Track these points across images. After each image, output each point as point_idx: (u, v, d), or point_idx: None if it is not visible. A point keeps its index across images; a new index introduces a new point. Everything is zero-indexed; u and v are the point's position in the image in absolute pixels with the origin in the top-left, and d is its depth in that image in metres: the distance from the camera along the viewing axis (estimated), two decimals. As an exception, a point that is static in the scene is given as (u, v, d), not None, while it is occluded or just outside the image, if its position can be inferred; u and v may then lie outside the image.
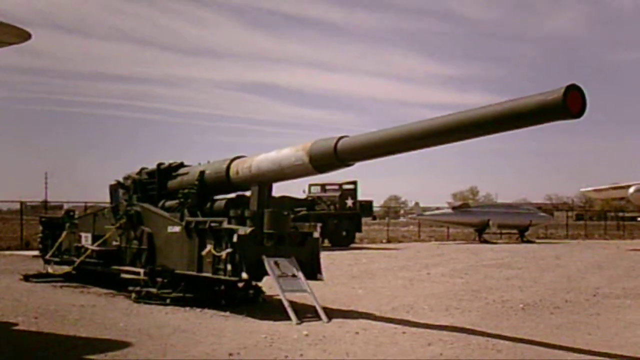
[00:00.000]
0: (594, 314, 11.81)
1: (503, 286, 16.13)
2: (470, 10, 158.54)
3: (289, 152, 11.31)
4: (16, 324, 9.95)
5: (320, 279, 11.87)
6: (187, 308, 11.58)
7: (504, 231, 47.67)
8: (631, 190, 38.03)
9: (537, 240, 47.32)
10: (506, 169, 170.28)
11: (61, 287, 14.87)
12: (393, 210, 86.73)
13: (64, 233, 16.16)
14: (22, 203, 36.67)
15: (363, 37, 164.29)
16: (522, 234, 46.16)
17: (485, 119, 8.47)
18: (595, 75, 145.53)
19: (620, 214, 78.82)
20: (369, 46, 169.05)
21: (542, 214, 51.41)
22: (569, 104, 7.62)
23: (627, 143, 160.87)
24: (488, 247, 37.21)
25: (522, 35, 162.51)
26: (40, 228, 17.71)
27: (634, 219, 74.15)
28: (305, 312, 10.80)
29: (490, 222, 43.78)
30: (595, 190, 45.83)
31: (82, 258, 14.80)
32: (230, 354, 7.98)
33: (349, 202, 36.42)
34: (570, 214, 77.23)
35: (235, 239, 11.12)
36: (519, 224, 46.20)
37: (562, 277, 18.92)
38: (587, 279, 18.26)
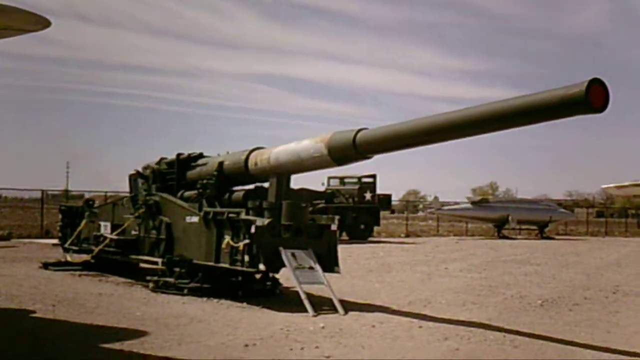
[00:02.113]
0: (613, 312, 11.69)
1: (521, 282, 16.02)
2: (490, 4, 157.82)
3: (308, 143, 11.26)
4: (34, 312, 10.01)
5: (338, 272, 11.84)
6: (204, 298, 11.60)
7: (523, 227, 47.40)
8: (653, 187, 37.61)
9: (557, 237, 47.02)
10: (526, 165, 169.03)
11: (80, 275, 14.96)
12: (412, 204, 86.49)
13: (84, 222, 16.24)
14: (43, 192, 36.91)
15: (380, 29, 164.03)
16: (541, 230, 45.86)
17: (506, 112, 8.37)
18: (618, 72, 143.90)
19: (642, 212, 78.07)
20: (386, 38, 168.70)
21: (562, 210, 51.03)
22: (592, 98, 7.51)
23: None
24: (507, 243, 37.02)
25: (544, 31, 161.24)
26: (60, 217, 17.82)
27: (655, 216, 73.59)
28: (322, 305, 10.78)
29: (510, 218, 43.51)
30: (616, 187, 45.31)
31: (100, 247, 14.89)
32: (246, 345, 7.97)
33: (368, 195, 36.36)
34: (590, 210, 76.57)
35: (253, 230, 11.11)
36: (539, 220, 45.91)
37: (581, 274, 18.76)
38: (607, 276, 18.10)
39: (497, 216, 44.17)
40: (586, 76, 7.43)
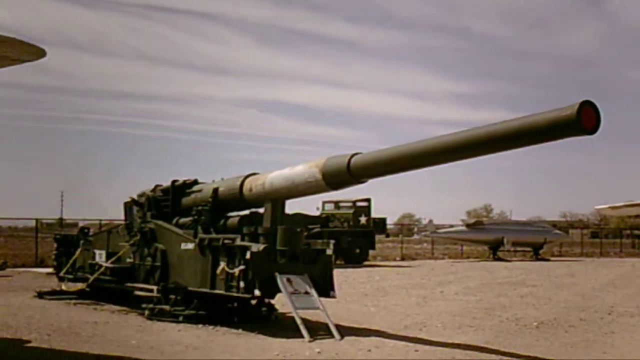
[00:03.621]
0: (608, 333, 11.68)
1: (517, 304, 16.00)
2: (485, 28, 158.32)
3: (302, 169, 11.29)
4: (29, 341, 9.95)
5: (333, 297, 11.83)
6: (200, 325, 11.55)
7: (518, 249, 47.37)
8: (646, 207, 37.65)
9: (552, 258, 46.98)
10: (520, 187, 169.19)
11: (75, 304, 14.87)
12: (407, 227, 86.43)
13: (79, 250, 16.17)
14: (37, 220, 36.78)
15: (378, 54, 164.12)
16: (536, 252, 45.84)
17: (499, 136, 8.44)
18: (611, 93, 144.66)
19: (636, 232, 78.07)
20: (383, 63, 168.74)
21: (556, 231, 51.07)
22: (583, 120, 7.59)
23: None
24: (502, 265, 36.98)
25: (537, 53, 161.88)
26: (55, 245, 17.73)
27: (649, 237, 73.68)
28: (318, 330, 10.75)
29: (505, 240, 43.52)
30: (610, 208, 45.37)
31: (96, 275, 14.82)
32: (243, 372, 7.94)
33: (363, 219, 36.33)
34: (585, 231, 76.65)
35: (248, 255, 11.10)
36: (534, 242, 45.92)
37: (576, 295, 18.76)
38: (602, 297, 18.09)
39: (491, 238, 44.18)
40: (579, 97, 7.51)
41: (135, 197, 14.98)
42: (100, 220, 34.30)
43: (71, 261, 16.29)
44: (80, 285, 15.86)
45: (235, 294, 11.38)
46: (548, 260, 44.56)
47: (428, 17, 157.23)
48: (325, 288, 11.69)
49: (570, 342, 10.63)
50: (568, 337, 11.17)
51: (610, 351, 9.89)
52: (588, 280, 25.33)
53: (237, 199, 12.71)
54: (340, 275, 21.49)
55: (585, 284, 23.08)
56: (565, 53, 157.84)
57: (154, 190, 14.58)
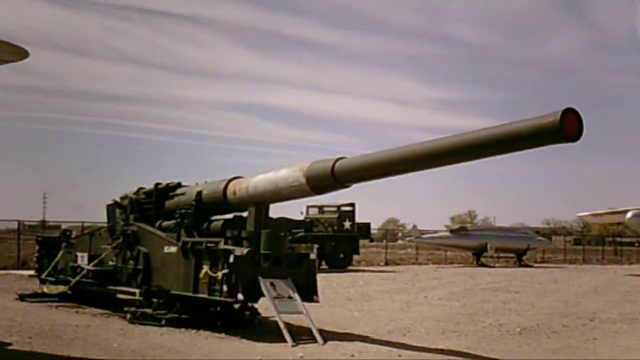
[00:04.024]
0: (591, 339, 11.74)
1: (500, 310, 16.05)
2: (468, 34, 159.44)
3: (286, 173, 11.29)
4: (10, 344, 9.87)
5: (317, 301, 11.84)
6: (183, 329, 11.50)
7: (501, 255, 47.50)
8: (628, 215, 37.91)
9: (535, 265, 47.15)
10: (504, 193, 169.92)
11: (56, 307, 14.78)
12: (391, 232, 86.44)
13: (60, 253, 16.07)
14: (19, 222, 36.52)
15: (361, 59, 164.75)
16: (519, 258, 45.99)
17: (482, 142, 8.48)
18: (594, 100, 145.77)
19: (618, 239, 78.63)
20: (366, 69, 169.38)
21: (540, 238, 51.33)
22: (566, 127, 7.64)
23: (625, 168, 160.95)
24: (485, 271, 37.07)
25: (520, 60, 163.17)
26: (37, 247, 17.62)
27: (631, 244, 74.18)
28: (301, 334, 10.73)
29: (488, 246, 43.66)
30: (592, 215, 45.72)
31: (77, 278, 14.73)
32: (225, 376, 7.91)
33: (347, 224, 36.30)
34: (568, 238, 77.12)
35: (231, 259, 11.08)
36: (517, 248, 46.08)
37: (559, 301, 18.84)
38: (585, 304, 18.19)
39: (475, 244, 44.31)
40: (562, 104, 7.56)
41: (118, 199, 14.92)
42: (83, 222, 34.08)
43: (53, 264, 16.19)
44: (62, 288, 15.75)
45: (218, 298, 11.34)
46: (531, 266, 44.71)
47: (412, 23, 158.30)
48: (309, 292, 11.69)
49: (553, 348, 10.68)
50: (550, 343, 11.21)
51: (592, 357, 9.95)
52: (571, 286, 25.45)
53: (221, 202, 12.69)
54: (324, 280, 21.48)
55: (568, 291, 23.18)
56: (549, 60, 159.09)
57: (137, 192, 14.52)
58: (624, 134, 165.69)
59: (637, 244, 55.13)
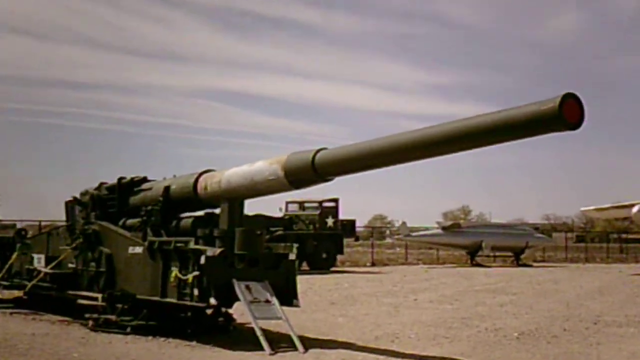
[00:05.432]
0: (594, 344, 11.83)
1: (496, 313, 16.15)
2: (461, 14, 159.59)
3: (262, 165, 11.28)
4: (-42, 355, 9.81)
5: (297, 305, 11.84)
6: (150, 337, 11.46)
7: (498, 254, 47.82)
8: (635, 209, 38.19)
9: (534, 264, 47.50)
10: (501, 186, 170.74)
11: (11, 313, 14.70)
12: (378, 230, 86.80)
13: (15, 254, 15.98)
14: (-31, 221, 36.30)
15: (344, 41, 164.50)
16: (517, 257, 46.32)
17: (475, 130, 8.50)
18: (597, 85, 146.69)
19: (624, 236, 79.28)
20: (350, 51, 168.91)
21: (539, 235, 51.69)
22: (566, 113, 7.67)
23: (631, 159, 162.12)
24: (481, 271, 37.29)
25: (517, 41, 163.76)
26: (-11, 249, 17.50)
27: (638, 241, 74.78)
28: (280, 342, 10.74)
29: (483, 244, 43.93)
30: (596, 210, 46.09)
31: (34, 282, 14.67)
32: (196, 388, 7.91)
33: (330, 221, 36.38)
34: (570, 235, 77.63)
35: (203, 260, 11.05)
36: (515, 246, 46.38)
37: (560, 303, 18.97)
38: (588, 306, 18.32)
39: (469, 242, 44.56)
40: (562, 89, 7.59)
41: (78, 195, 14.86)
42: (40, 221, 33.97)
43: (7, 266, 16.09)
44: (16, 293, 15.70)
45: (188, 303, 11.33)
46: (530, 266, 45.04)
47: (401, 1, 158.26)
48: (288, 296, 11.69)
49: (553, 353, 10.75)
50: (551, 348, 11.29)
51: (596, 364, 10.03)
52: (573, 287, 25.64)
53: (191, 198, 12.66)
54: (305, 282, 21.52)
55: (569, 292, 23.36)
56: (548, 41, 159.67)
57: (98, 188, 14.47)
58: (631, 122, 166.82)
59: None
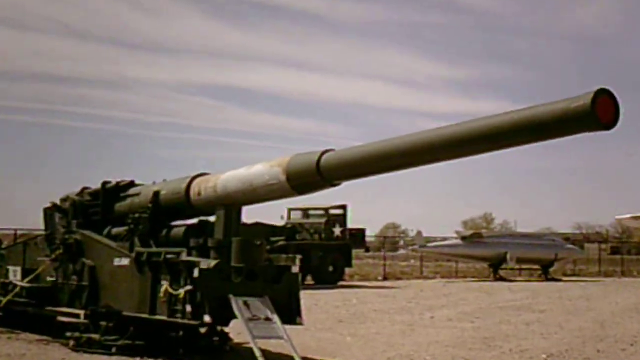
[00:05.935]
0: (630, 367, 11.82)
1: (522, 333, 16.14)
2: (483, 1, 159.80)
3: (261, 168, 11.29)
4: None
5: (300, 323, 11.84)
6: (137, 358, 11.51)
7: (523, 266, 47.82)
8: (676, 218, 38.18)
9: (564, 278, 47.47)
10: (527, 192, 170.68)
11: (-17, 332, 14.74)
12: (390, 240, 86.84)
13: (-12, 266, 16.04)
14: (-62, 230, 36.41)
15: (353, 31, 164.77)
16: (545, 270, 46.29)
17: (498, 130, 8.49)
18: (634, 81, 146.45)
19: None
20: (359, 42, 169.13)
21: (569, 246, 51.65)
22: (599, 112, 7.65)
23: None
24: (504, 286, 37.28)
25: (543, 31, 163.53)
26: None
27: (680, 252, 74.59)
28: (281, 364, 10.75)
29: (508, 256, 43.91)
30: (633, 218, 46.08)
31: (9, 297, 14.69)
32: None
33: (337, 230, 36.43)
34: (603, 246, 77.49)
35: (196, 274, 11.06)
36: (542, 258, 46.36)
37: (593, 322, 18.96)
38: (624, 325, 18.31)
39: (492, 254, 44.53)
40: (593, 84, 7.57)
41: (57, 201, 14.88)
42: (16, 230, 34.02)
43: (-21, 280, 16.15)
44: (-10, 310, 15.71)
45: (180, 320, 11.33)
46: (559, 280, 45.02)
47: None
48: (290, 313, 11.69)
49: (585, 378, 10.75)
50: (582, 372, 11.29)
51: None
52: (607, 304, 25.62)
53: (183, 204, 12.67)
54: (310, 298, 21.51)
55: (603, 309, 23.33)
56: (579, 31, 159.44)
57: (80, 193, 14.49)
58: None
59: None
